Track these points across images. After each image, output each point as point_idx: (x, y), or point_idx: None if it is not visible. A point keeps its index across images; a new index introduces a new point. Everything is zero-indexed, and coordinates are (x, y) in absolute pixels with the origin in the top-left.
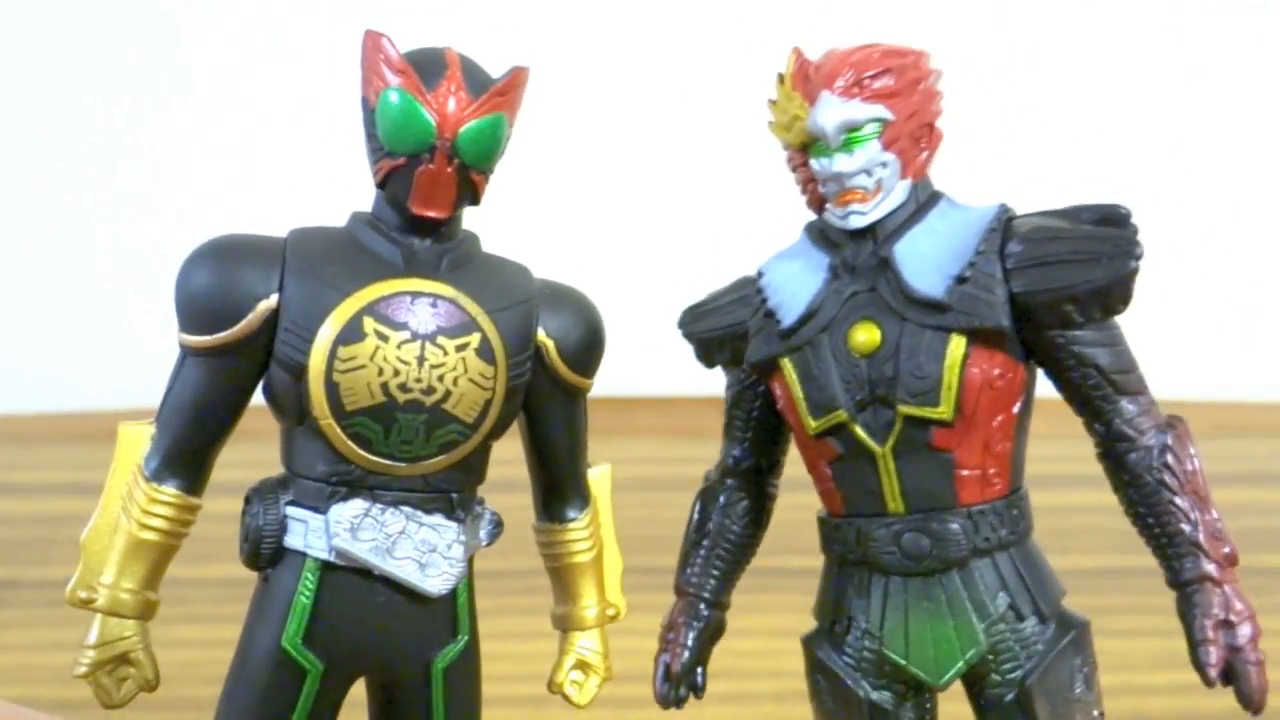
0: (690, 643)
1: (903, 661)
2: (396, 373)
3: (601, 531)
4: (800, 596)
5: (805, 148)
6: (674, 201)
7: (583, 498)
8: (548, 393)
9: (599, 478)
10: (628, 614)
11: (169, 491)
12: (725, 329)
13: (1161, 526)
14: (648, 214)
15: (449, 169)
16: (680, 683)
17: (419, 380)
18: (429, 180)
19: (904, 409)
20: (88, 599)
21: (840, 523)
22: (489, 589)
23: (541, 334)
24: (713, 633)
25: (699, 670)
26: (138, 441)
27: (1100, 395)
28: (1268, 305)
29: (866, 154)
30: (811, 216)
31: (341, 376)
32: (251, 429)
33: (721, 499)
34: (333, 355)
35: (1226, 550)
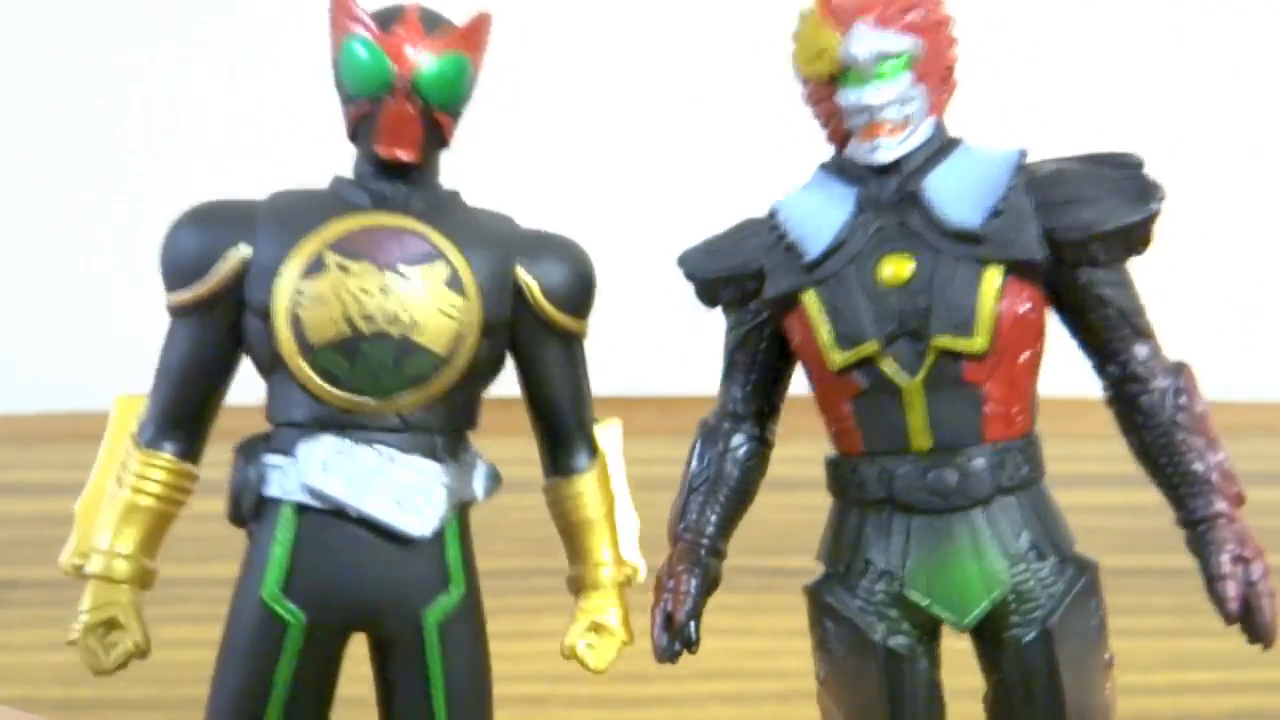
0: (693, 590)
1: (925, 602)
2: (359, 302)
3: (613, 486)
4: (799, 597)
5: (832, 80)
6: (675, 204)
7: (589, 448)
8: (539, 337)
9: (608, 432)
10: (627, 614)
11: (163, 458)
12: (734, 266)
13: (1175, 466)
14: (648, 216)
15: (410, 108)
16: (679, 635)
17: (382, 310)
18: (393, 120)
19: (939, 340)
20: (79, 565)
21: (858, 461)
22: (488, 589)
23: (522, 273)
24: (711, 583)
25: (693, 624)
26: (132, 410)
27: (1119, 337)
28: (1268, 305)
29: (898, 86)
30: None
31: (304, 311)
32: (243, 428)
33: (721, 443)
34: (296, 290)
35: (1236, 489)
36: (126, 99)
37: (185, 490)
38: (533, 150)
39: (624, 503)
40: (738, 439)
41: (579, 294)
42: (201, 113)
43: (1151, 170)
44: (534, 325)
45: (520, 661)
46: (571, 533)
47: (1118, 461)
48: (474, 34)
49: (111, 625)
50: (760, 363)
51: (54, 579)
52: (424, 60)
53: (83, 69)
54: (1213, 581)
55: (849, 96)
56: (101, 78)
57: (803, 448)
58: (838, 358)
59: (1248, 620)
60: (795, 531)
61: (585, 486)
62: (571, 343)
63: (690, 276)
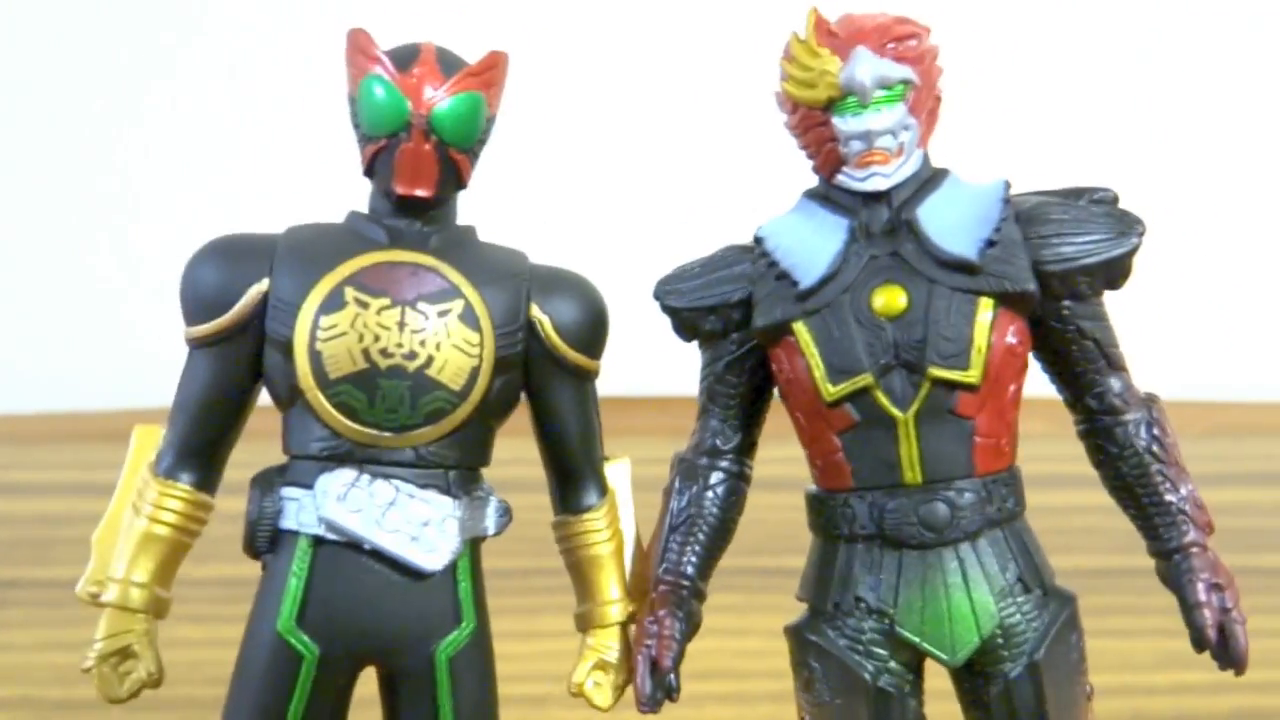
0: (677, 634)
1: (916, 639)
2: (377, 338)
3: (621, 525)
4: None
5: (828, 106)
6: (673, 203)
7: (599, 486)
8: (551, 374)
9: (618, 471)
10: (629, 652)
11: (180, 487)
12: (717, 298)
13: (1150, 497)
14: (646, 215)
15: (427, 146)
16: (665, 679)
17: (400, 345)
18: (409, 158)
19: (934, 371)
20: (96, 594)
21: (848, 496)
22: (488, 589)
23: (535, 310)
24: (693, 627)
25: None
26: (151, 441)
27: (1095, 369)
28: (1267, 305)
29: (894, 114)
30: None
31: (324, 345)
32: (256, 429)
33: (701, 481)
34: (315, 325)
35: (1207, 519)
36: (127, 100)
37: (201, 520)
38: (531, 148)
39: (633, 541)
40: (716, 476)
41: (591, 332)
42: (200, 114)
43: (1126, 204)
44: (547, 362)
45: (521, 661)
46: (580, 569)
47: None
48: (488, 71)
49: (126, 654)
50: (739, 397)
51: (54, 579)
52: (440, 99)
53: (83, 70)
54: (1191, 609)
55: (847, 122)
56: (101, 78)
57: (800, 448)
58: (831, 389)
59: (1222, 646)
60: (792, 532)
61: (594, 524)
62: (584, 381)
63: (668, 310)
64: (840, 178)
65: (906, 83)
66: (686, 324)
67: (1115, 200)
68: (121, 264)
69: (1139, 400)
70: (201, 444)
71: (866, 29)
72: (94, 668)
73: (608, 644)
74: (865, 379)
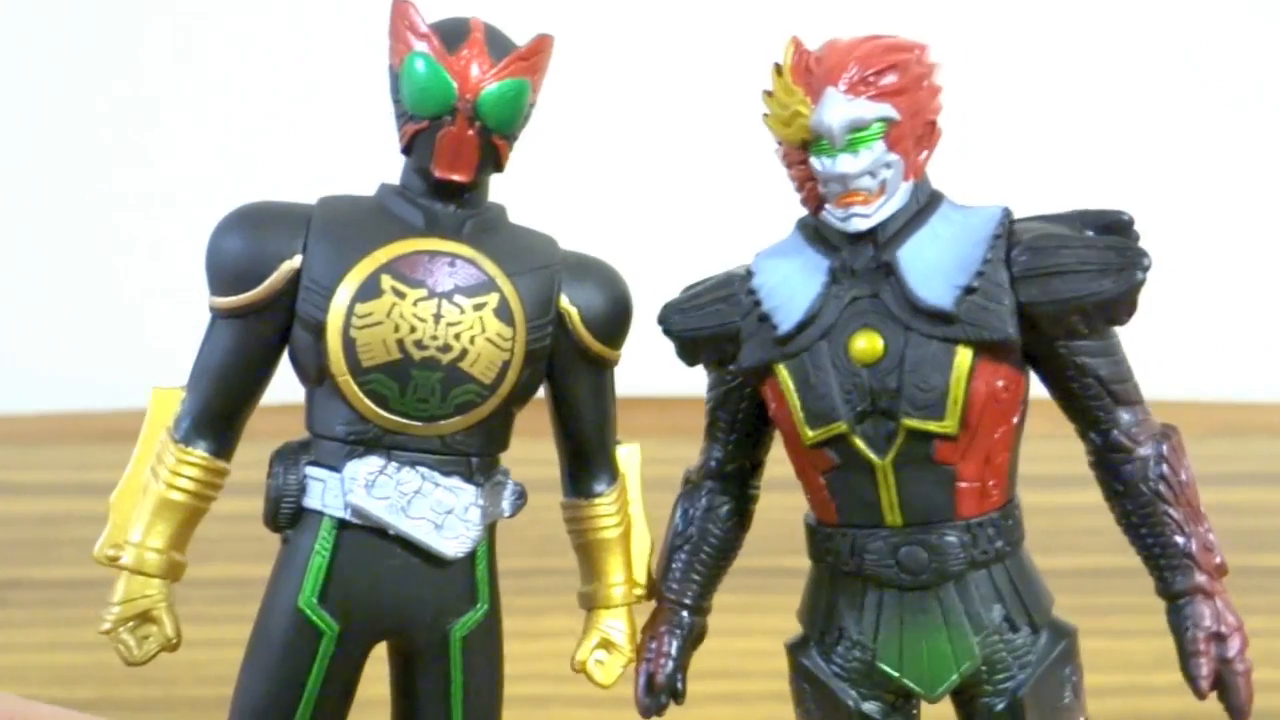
0: (674, 653)
1: (895, 674)
2: (413, 329)
3: (630, 509)
4: (798, 596)
5: (805, 145)
6: (673, 203)
7: (610, 472)
8: (573, 362)
9: (628, 455)
10: (634, 632)
11: (197, 454)
12: (712, 329)
13: (1155, 538)
14: (646, 215)
15: (470, 131)
16: (662, 692)
17: (435, 337)
18: (451, 142)
19: (908, 422)
20: (114, 556)
21: (833, 532)
22: None
23: (565, 301)
24: (695, 640)
25: (679, 677)
26: (169, 404)
27: (1099, 405)
28: (1267, 305)
29: (871, 155)
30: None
31: (358, 332)
32: (257, 429)
33: (703, 502)
34: (350, 312)
35: (1218, 561)
36: (133, 101)
37: (216, 486)
38: (535, 148)
39: (639, 524)
40: (720, 499)
41: (616, 322)
42: (209, 115)
43: (1140, 230)
44: (571, 352)
45: (522, 662)
46: (587, 551)
47: None
48: (535, 55)
49: (144, 618)
50: (740, 423)
51: (54, 579)
52: (488, 84)
53: (85, 70)
54: (1186, 658)
55: (822, 164)
56: (105, 78)
57: None
58: (809, 434)
59: (1221, 698)
60: (795, 532)
61: (604, 509)
62: (604, 370)
63: (669, 334)
64: (824, 215)
65: (885, 120)
66: (686, 349)
67: (1130, 224)
68: (123, 264)
69: (1151, 435)
70: (220, 412)
71: (841, 66)
72: (112, 630)
73: (613, 624)
74: (840, 426)
